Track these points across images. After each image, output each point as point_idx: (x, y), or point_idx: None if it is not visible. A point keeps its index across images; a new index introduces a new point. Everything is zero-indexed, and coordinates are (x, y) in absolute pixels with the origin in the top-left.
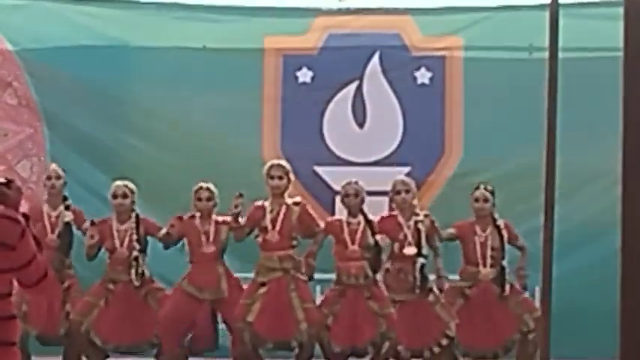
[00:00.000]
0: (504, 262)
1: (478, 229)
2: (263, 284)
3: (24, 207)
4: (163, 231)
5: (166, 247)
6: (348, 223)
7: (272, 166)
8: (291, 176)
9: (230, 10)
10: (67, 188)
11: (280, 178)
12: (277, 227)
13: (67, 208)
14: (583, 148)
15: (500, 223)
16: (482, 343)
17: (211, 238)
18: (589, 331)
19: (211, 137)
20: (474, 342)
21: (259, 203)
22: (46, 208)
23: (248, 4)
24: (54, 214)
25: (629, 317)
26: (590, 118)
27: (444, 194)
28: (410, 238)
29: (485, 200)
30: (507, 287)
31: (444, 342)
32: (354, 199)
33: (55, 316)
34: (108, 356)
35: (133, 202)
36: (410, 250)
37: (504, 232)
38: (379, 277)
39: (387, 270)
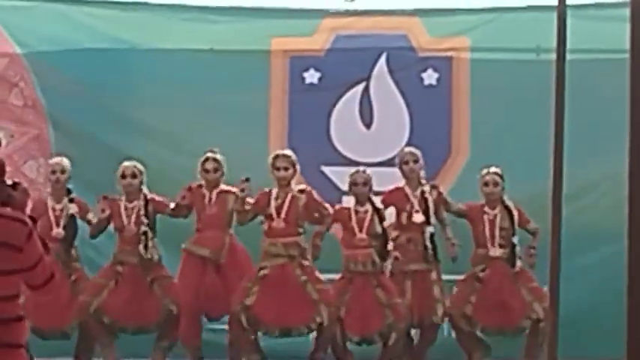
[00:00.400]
0: (515, 240)
1: (487, 209)
2: (263, 268)
3: (29, 207)
4: (172, 205)
5: (184, 216)
6: (356, 211)
7: (277, 157)
8: (297, 166)
9: (237, 12)
10: (72, 187)
11: (286, 169)
12: (282, 215)
13: (71, 200)
14: (590, 150)
15: (510, 204)
16: (492, 322)
17: (214, 201)
18: (596, 331)
19: (219, 139)
20: (485, 322)
21: (266, 190)
22: (50, 201)
23: (255, 6)
24: (58, 207)
25: (635, 317)
26: (597, 120)
27: (451, 195)
28: (417, 206)
29: (495, 184)
30: (518, 264)
31: (427, 323)
32: (363, 188)
33: (63, 308)
34: (117, 337)
35: (141, 183)
36: (418, 218)
37: (514, 212)
38: (387, 266)
39: (396, 258)
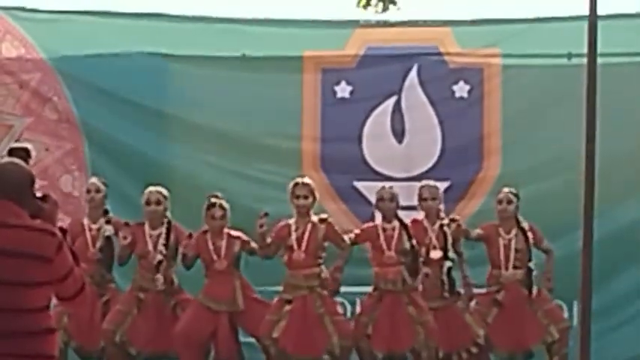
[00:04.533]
0: (531, 264)
1: (502, 230)
2: (289, 302)
3: (65, 222)
4: (187, 246)
5: (187, 268)
6: (384, 229)
7: (296, 185)
8: (317, 194)
9: (268, 24)
10: (108, 202)
11: (305, 197)
12: (303, 246)
13: (107, 221)
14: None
15: (525, 225)
16: (507, 345)
17: (223, 254)
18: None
19: (251, 153)
20: (502, 344)
21: (284, 222)
22: (86, 221)
23: (286, 17)
24: (94, 227)
25: None
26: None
27: (482, 209)
28: (435, 241)
29: (509, 202)
30: (535, 290)
31: (474, 350)
32: (390, 204)
33: (95, 329)
34: None
35: (165, 209)
36: (435, 254)
37: (529, 234)
38: (418, 283)
39: (426, 275)
